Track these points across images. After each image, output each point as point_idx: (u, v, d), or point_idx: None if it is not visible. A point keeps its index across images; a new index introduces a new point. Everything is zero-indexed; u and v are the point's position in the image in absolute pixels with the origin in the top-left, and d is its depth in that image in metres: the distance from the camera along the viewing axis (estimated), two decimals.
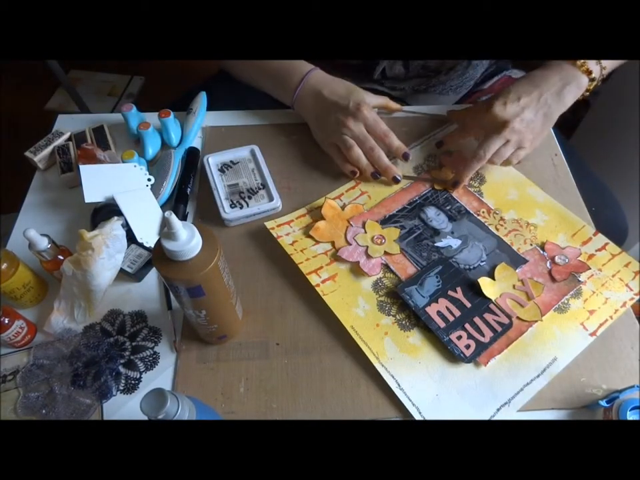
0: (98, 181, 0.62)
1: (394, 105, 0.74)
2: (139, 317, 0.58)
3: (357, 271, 0.60)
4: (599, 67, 0.63)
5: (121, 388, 0.53)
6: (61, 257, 0.57)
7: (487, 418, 0.50)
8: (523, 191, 0.67)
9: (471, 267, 0.60)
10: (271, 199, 0.65)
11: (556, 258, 0.60)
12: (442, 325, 0.55)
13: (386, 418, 0.51)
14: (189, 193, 0.67)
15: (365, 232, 0.63)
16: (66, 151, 0.70)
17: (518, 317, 0.56)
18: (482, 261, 0.61)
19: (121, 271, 0.58)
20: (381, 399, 0.51)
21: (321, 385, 0.52)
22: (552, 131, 0.74)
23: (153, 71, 1.90)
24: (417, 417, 0.50)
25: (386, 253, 0.61)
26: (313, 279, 0.59)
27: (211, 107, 0.77)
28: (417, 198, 0.67)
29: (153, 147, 0.71)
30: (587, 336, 0.55)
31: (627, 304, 0.57)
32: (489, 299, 0.57)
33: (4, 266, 0.54)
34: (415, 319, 0.56)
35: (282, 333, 0.56)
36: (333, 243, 0.62)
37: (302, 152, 0.73)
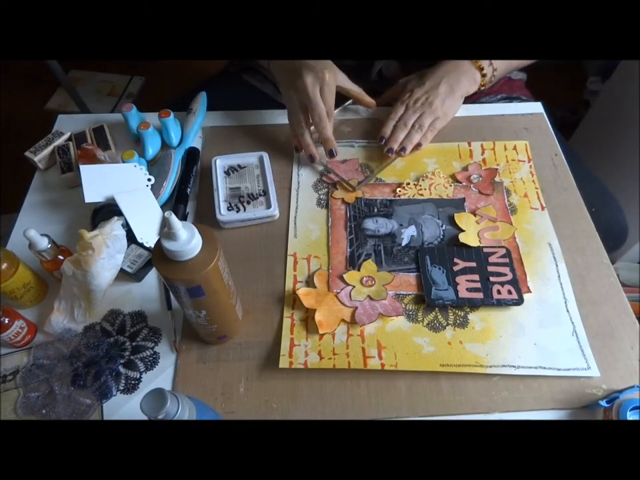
0: (98, 181, 0.62)
1: (367, 98, 0.72)
2: (138, 317, 0.58)
3: (388, 319, 0.56)
4: (491, 68, 0.72)
5: (121, 388, 0.53)
6: (61, 257, 0.57)
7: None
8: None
9: (441, 236, 0.62)
10: (269, 206, 0.64)
11: (472, 179, 0.67)
12: (480, 295, 0.56)
13: (386, 418, 0.51)
14: (188, 193, 0.67)
15: (353, 286, 0.58)
16: (66, 151, 0.70)
17: (504, 240, 0.61)
18: (441, 227, 0.63)
19: (121, 270, 0.58)
20: (381, 399, 0.51)
21: (321, 384, 0.53)
22: (552, 130, 0.74)
23: (153, 71, 1.90)
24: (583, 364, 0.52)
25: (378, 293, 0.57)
26: (373, 363, 0.53)
27: (211, 106, 0.77)
28: (349, 223, 0.64)
29: (153, 146, 0.71)
30: (541, 213, 0.64)
31: (533, 172, 0.68)
32: (479, 247, 0.60)
33: (4, 266, 0.54)
34: (454, 318, 0.56)
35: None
36: (343, 320, 0.56)
37: None
